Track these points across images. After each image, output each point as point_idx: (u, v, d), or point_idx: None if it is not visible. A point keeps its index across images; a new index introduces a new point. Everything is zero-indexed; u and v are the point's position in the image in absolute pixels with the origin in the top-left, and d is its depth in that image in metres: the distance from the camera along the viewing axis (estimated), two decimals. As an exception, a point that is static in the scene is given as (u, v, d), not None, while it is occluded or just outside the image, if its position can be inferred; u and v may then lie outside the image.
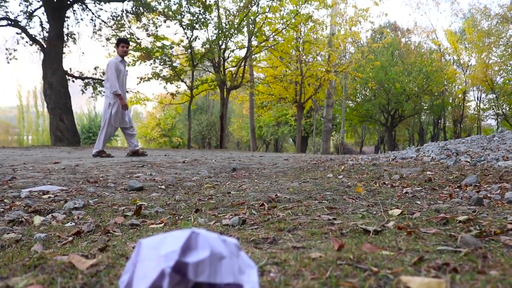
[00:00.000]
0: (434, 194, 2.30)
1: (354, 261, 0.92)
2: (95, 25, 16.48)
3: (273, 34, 17.74)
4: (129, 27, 17.16)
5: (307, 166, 5.07)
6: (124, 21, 16.60)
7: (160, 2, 16.56)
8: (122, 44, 7.02)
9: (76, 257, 0.98)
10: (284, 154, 10.51)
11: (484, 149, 5.62)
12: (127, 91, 17.92)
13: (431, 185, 2.70)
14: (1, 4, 13.72)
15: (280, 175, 4.00)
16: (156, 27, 17.47)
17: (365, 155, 8.28)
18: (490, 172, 3.32)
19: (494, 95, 28.39)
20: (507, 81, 26.64)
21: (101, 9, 15.90)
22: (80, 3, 15.34)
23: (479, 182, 2.75)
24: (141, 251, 0.63)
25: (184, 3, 16.88)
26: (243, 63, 17.60)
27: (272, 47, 18.23)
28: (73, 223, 1.79)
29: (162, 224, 1.70)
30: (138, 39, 17.47)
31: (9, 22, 14.31)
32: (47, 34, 14.62)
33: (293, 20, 17.66)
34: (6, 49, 15.31)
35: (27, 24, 14.85)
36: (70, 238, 1.51)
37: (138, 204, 2.17)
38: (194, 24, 17.10)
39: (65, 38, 15.10)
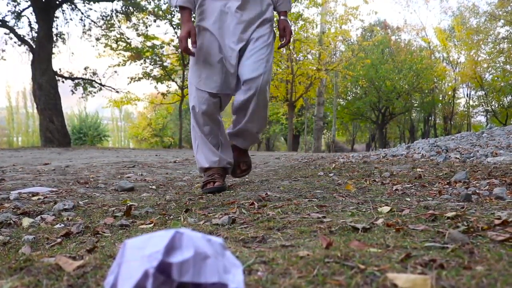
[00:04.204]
0: (424, 191, 2.32)
1: (342, 258, 0.92)
2: (84, 25, 16.37)
3: (264, 33, 17.72)
4: (119, 27, 17.08)
5: (298, 165, 5.08)
6: (114, 21, 16.52)
7: (150, 2, 16.50)
8: None
9: (63, 259, 0.98)
10: (275, 153, 10.54)
11: (473, 145, 5.67)
12: (117, 91, 17.81)
13: (421, 182, 2.72)
14: (-11, 4, 13.67)
15: (271, 174, 4.00)
16: (146, 27, 17.40)
17: (356, 153, 8.32)
18: (479, 168, 3.35)
19: (483, 92, 28.65)
20: (496, 78, 26.89)
21: (91, 9, 15.79)
22: (69, 3, 15.23)
23: (468, 178, 2.77)
24: (125, 251, 0.62)
25: (174, 2, 16.83)
26: (234, 62, 17.59)
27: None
28: (63, 225, 1.78)
29: (152, 225, 1.69)
30: (128, 39, 17.38)
31: (-3, 23, 14.17)
32: (35, 35, 14.49)
33: (283, 19, 17.65)
34: (-5, 49, 15.16)
35: (15, 24, 14.71)
36: (59, 240, 1.50)
37: (128, 204, 2.16)
38: (185, 24, 17.05)
39: (54, 38, 14.97)
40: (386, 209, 1.65)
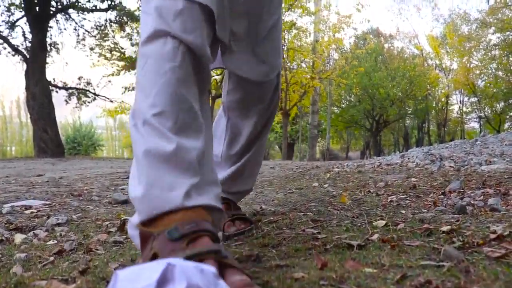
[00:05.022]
0: (418, 202, 2.31)
1: (337, 280, 0.92)
2: (78, 35, 16.38)
3: (258, 41, 17.82)
4: (113, 36, 17.09)
5: (293, 175, 5.07)
6: (108, 30, 16.54)
7: (144, 11, 16.52)
8: None
9: (55, 283, 0.96)
10: (270, 162, 10.52)
11: (467, 153, 5.69)
12: (111, 100, 17.78)
13: (416, 192, 2.71)
14: (-18, 15, 13.63)
15: (265, 184, 3.99)
16: (140, 36, 17.40)
17: (351, 161, 8.32)
18: (474, 177, 3.35)
19: (476, 98, 28.88)
20: (488, 85, 27.14)
21: (85, 19, 15.82)
22: (63, 13, 15.22)
23: (463, 187, 2.77)
24: (117, 283, 0.61)
25: (168, 11, 16.90)
26: (228, 71, 17.65)
27: (257, 54, 18.30)
28: (55, 241, 1.76)
29: (146, 241, 1.67)
30: (122, 48, 17.39)
31: (-10, 33, 14.15)
32: (29, 44, 14.46)
33: (277, 28, 17.75)
34: (-12, 60, 15.16)
35: (9, 34, 14.68)
36: (51, 258, 1.48)
37: (122, 219, 2.14)
38: (178, 33, 17.14)
39: (48, 48, 14.94)
40: (381, 223, 1.65)
